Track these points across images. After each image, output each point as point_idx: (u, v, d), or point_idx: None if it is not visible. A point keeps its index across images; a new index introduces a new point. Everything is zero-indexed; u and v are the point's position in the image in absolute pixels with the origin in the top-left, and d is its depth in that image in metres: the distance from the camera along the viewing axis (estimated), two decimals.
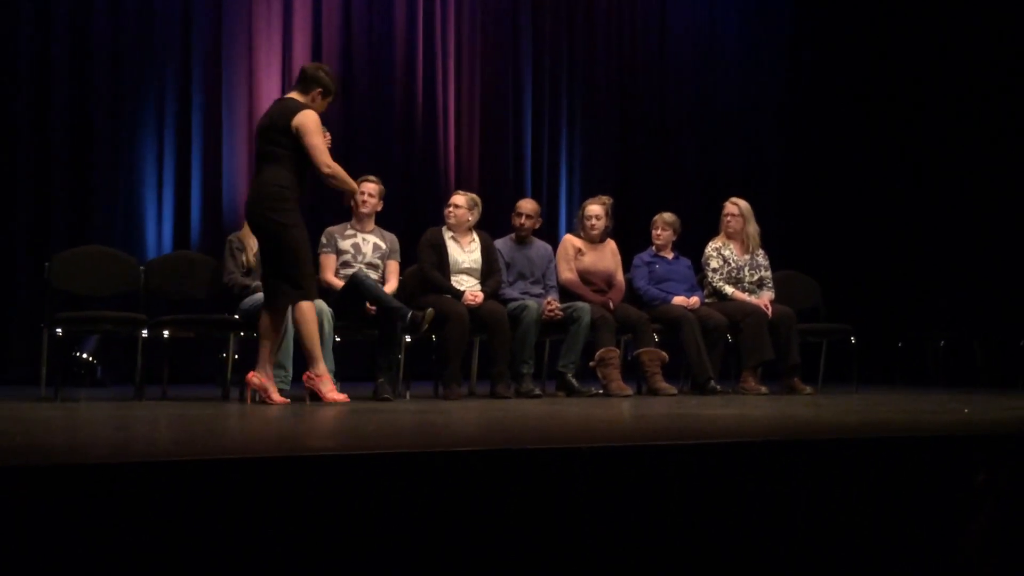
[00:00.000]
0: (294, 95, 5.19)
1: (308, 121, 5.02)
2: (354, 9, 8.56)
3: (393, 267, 6.19)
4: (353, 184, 5.36)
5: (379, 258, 6.12)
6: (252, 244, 5.96)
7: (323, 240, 6.07)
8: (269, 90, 8.20)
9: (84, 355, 7.17)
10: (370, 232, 6.15)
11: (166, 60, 7.89)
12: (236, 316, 5.87)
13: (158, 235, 7.82)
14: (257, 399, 5.15)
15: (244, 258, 5.93)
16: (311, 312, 5.12)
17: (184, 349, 7.26)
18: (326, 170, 5.05)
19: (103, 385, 7.13)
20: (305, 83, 5.19)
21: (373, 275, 6.01)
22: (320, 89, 5.16)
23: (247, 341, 6.09)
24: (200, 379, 7.36)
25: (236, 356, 6.16)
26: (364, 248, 6.08)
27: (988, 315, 8.43)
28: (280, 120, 5.06)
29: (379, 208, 6.19)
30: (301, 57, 8.30)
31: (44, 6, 7.53)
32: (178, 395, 5.90)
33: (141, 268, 6.28)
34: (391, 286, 6.06)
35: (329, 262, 6.05)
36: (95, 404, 5.46)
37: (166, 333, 5.87)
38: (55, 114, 7.53)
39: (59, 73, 7.55)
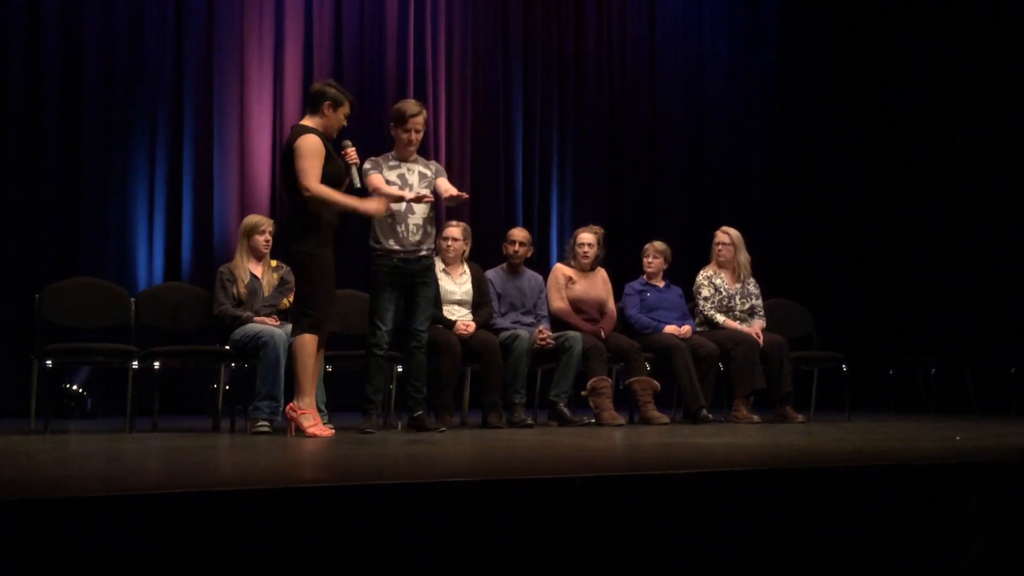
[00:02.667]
0: (305, 119, 5.23)
1: (300, 145, 5.04)
2: (345, 40, 8.60)
3: (444, 184, 5.69)
4: (350, 202, 5.18)
5: (426, 186, 5.63)
6: (243, 276, 5.95)
7: (367, 165, 5.57)
8: (260, 121, 8.22)
9: (74, 387, 7.14)
10: (413, 163, 5.70)
11: (157, 90, 7.90)
12: (227, 347, 5.86)
13: (149, 266, 7.80)
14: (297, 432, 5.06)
15: (235, 290, 5.92)
16: (312, 346, 5.08)
17: (175, 380, 7.25)
18: (305, 193, 5.00)
19: (93, 417, 7.10)
20: (312, 102, 5.22)
21: (421, 207, 5.55)
22: (328, 102, 5.16)
23: (238, 372, 6.08)
24: (191, 410, 7.34)
25: (227, 387, 6.15)
26: (410, 179, 5.63)
27: (979, 342, 8.44)
28: (287, 150, 5.10)
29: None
30: (292, 89, 8.33)
31: (34, 35, 7.54)
32: (169, 426, 5.87)
33: (132, 300, 6.26)
34: (452, 191, 5.63)
35: (378, 179, 5.56)
36: (85, 436, 5.43)
37: (157, 364, 5.84)
38: (45, 145, 7.53)
39: (49, 103, 7.56)
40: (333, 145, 5.20)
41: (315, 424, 5.02)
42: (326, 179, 5.08)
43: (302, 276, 5.13)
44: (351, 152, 5.23)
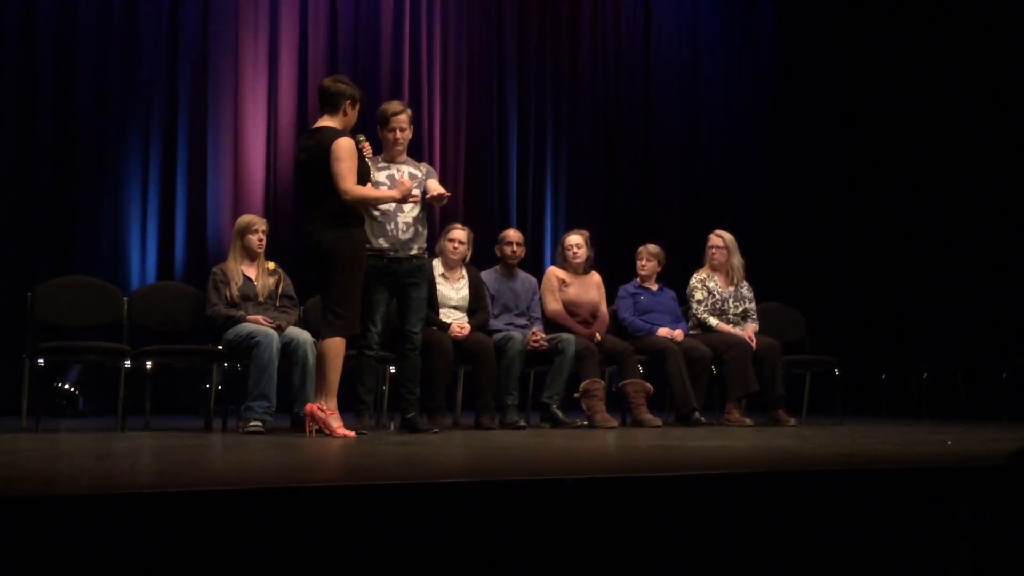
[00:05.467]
0: (325, 121, 5.19)
1: (338, 148, 5.03)
2: (340, 44, 8.59)
3: (434, 184, 5.65)
4: (389, 194, 5.28)
5: (416, 186, 5.54)
6: (236, 277, 5.94)
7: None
8: (255, 121, 8.21)
9: (66, 386, 7.12)
10: (403, 163, 5.69)
11: (151, 88, 7.88)
12: (219, 347, 5.84)
13: (142, 265, 7.78)
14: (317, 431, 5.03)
15: (228, 292, 5.89)
16: (343, 347, 5.09)
17: (167, 380, 7.23)
18: (346, 197, 5.02)
19: (85, 416, 7.08)
20: (332, 101, 5.18)
21: (410, 206, 5.54)
22: (349, 100, 5.17)
23: (230, 372, 6.07)
24: (183, 410, 7.32)
25: (219, 387, 6.13)
26: (399, 178, 5.54)
27: (971, 347, 8.46)
28: (320, 153, 5.06)
29: (410, 136, 5.71)
30: (287, 89, 8.33)
31: (28, 32, 7.53)
32: (161, 426, 5.86)
33: (124, 299, 6.25)
34: (440, 190, 5.59)
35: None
36: (76, 435, 5.41)
37: (149, 364, 5.83)
38: (38, 143, 7.51)
39: (43, 101, 7.54)
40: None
41: (341, 426, 5.02)
42: (357, 178, 5.10)
43: (338, 276, 5.08)
44: (367, 147, 5.25)
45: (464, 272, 6.40)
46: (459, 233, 6.37)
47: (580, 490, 2.71)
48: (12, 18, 7.49)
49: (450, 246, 6.32)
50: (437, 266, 6.32)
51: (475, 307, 6.34)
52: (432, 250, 6.50)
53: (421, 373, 5.78)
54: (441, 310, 6.23)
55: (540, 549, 2.56)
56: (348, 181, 5.02)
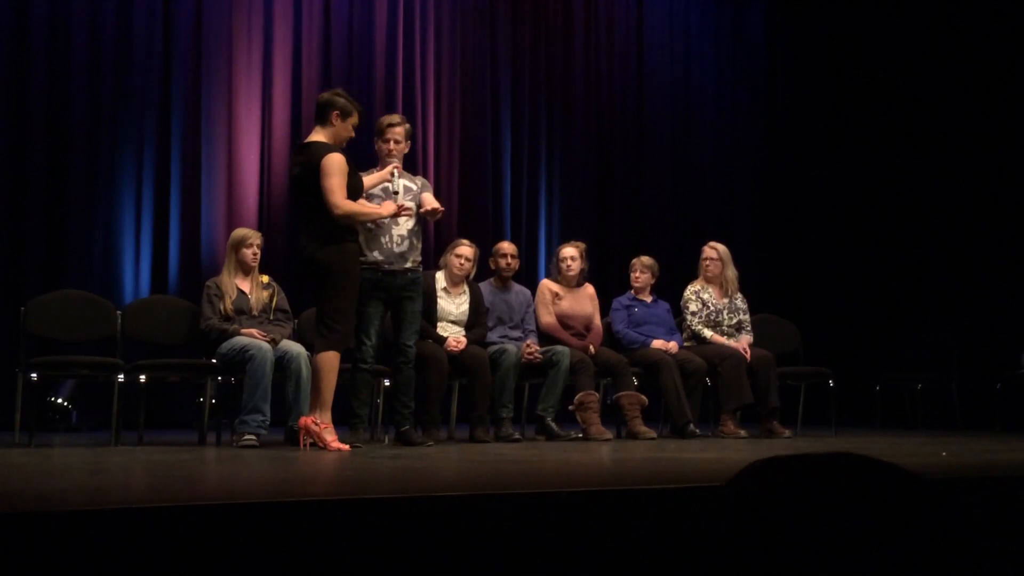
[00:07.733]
0: (316, 135, 5.20)
1: (327, 164, 5.04)
2: (334, 56, 8.61)
3: (429, 198, 5.65)
4: (378, 211, 5.31)
5: (411, 199, 5.56)
6: (230, 290, 5.93)
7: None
8: (248, 135, 8.21)
9: (59, 400, 7.10)
10: (398, 175, 5.60)
11: (145, 102, 7.87)
12: (213, 361, 5.83)
13: (135, 279, 7.77)
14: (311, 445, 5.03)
15: (222, 305, 5.89)
16: (337, 361, 5.09)
17: (161, 394, 7.22)
18: (336, 212, 5.03)
19: (78, 430, 7.05)
20: (321, 112, 5.20)
21: (404, 218, 5.53)
22: (336, 111, 5.16)
23: (224, 385, 6.05)
24: (177, 424, 7.30)
25: (213, 401, 6.12)
26: (394, 188, 5.54)
27: (965, 358, 8.47)
28: (311, 168, 5.07)
29: (406, 150, 5.70)
30: (280, 102, 8.33)
31: (22, 45, 7.53)
32: (155, 440, 5.84)
33: (118, 312, 6.24)
34: (434, 204, 5.60)
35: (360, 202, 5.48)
36: (70, 450, 5.40)
37: (143, 378, 5.81)
38: (31, 156, 7.49)
39: (36, 114, 7.53)
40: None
41: (336, 439, 5.01)
42: (348, 193, 5.11)
43: (332, 290, 5.09)
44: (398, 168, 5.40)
45: (466, 288, 6.41)
46: (466, 250, 6.38)
47: (575, 503, 2.71)
48: (3, 30, 7.48)
49: (456, 262, 6.32)
50: (440, 280, 6.33)
51: (473, 323, 6.35)
52: (437, 263, 6.53)
53: (416, 386, 5.76)
54: (440, 324, 6.23)
55: (535, 562, 2.55)
56: (337, 196, 5.03)
